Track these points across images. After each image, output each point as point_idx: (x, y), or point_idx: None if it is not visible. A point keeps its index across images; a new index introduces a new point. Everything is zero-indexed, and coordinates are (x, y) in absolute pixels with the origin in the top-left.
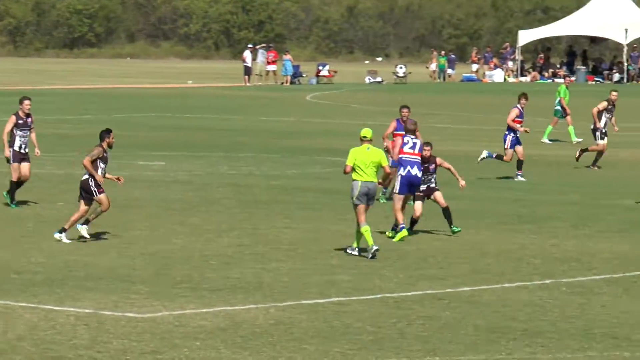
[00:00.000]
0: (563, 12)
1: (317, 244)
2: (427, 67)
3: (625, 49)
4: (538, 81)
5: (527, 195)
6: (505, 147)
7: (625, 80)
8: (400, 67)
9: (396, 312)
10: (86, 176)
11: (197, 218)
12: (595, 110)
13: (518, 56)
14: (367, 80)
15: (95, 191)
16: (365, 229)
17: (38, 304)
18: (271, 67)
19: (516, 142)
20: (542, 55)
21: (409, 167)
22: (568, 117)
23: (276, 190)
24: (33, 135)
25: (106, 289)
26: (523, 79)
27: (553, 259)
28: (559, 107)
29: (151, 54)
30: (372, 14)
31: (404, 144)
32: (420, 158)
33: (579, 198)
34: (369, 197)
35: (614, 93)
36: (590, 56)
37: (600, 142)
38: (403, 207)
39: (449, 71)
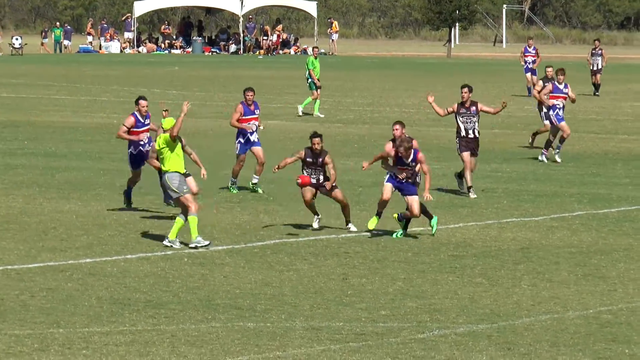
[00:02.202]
0: None
1: None
2: None
3: (241, 20)
4: (155, 52)
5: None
6: (553, 123)
7: (242, 51)
8: (17, 39)
9: (18, 284)
10: None
11: None
12: (534, 92)
13: (134, 27)
14: None
15: None
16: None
17: None
18: None
19: (561, 117)
20: (167, 26)
21: None
22: (317, 91)
23: None
24: None
25: None
26: (140, 49)
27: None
28: (311, 80)
29: None
30: None
31: None
32: None
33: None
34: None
35: (549, 69)
36: (207, 27)
37: (546, 122)
38: None
39: (66, 42)
